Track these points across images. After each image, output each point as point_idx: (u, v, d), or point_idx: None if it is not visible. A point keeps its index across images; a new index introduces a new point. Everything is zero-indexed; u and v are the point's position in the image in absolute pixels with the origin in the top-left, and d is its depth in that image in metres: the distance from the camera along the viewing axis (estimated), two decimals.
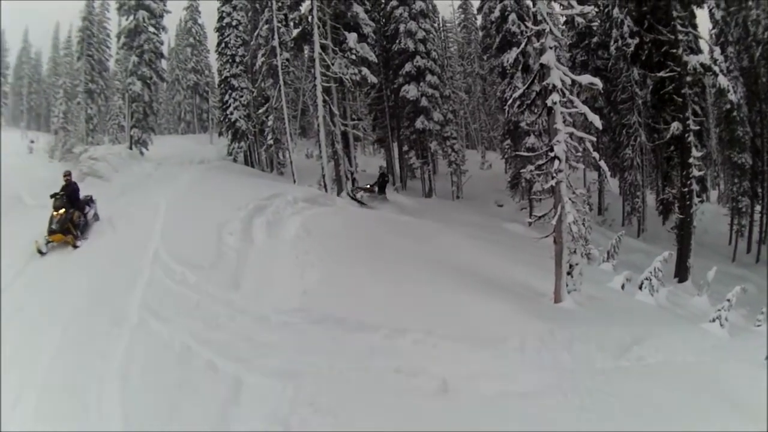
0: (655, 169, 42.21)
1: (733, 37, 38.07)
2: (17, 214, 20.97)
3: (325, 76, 31.75)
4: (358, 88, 35.61)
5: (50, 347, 11.28)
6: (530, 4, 16.32)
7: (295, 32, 34.02)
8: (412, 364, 10.67)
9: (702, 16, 31.77)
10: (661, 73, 27.83)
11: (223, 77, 44.44)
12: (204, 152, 47.97)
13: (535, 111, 17.20)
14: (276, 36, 34.81)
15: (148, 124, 41.90)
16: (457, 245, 20.90)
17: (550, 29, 15.39)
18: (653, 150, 38.07)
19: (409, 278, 15.58)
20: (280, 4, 35.65)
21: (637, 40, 29.42)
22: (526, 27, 16.99)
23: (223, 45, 43.63)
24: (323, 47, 32.00)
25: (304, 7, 33.62)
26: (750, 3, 37.18)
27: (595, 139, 16.21)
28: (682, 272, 27.77)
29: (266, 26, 36.24)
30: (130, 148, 39.53)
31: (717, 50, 31.26)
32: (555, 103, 15.13)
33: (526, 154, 29.19)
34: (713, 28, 38.02)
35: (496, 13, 37.44)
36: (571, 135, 15.53)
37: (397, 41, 40.12)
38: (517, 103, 17.32)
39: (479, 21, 51.87)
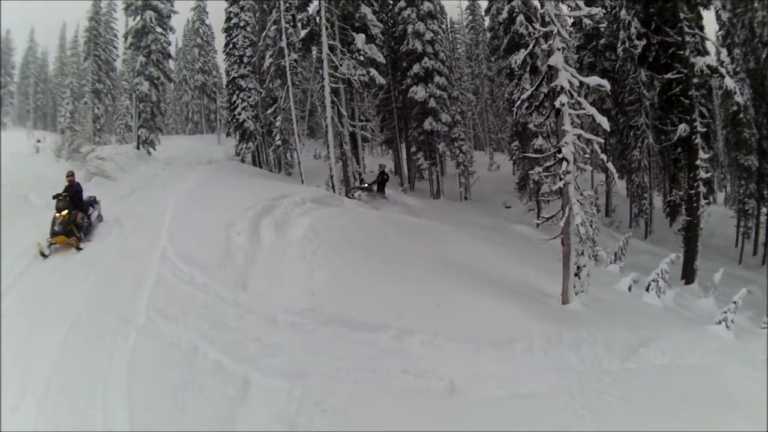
0: (663, 171, 42.13)
1: (739, 39, 38.01)
2: (23, 214, 20.57)
3: (333, 77, 31.76)
4: (366, 89, 35.61)
5: (55, 347, 11.23)
6: (538, 5, 16.39)
7: (303, 33, 33.96)
8: (420, 365, 10.75)
9: (708, 18, 31.73)
10: (669, 75, 27.72)
11: (230, 78, 44.20)
12: (212, 152, 47.71)
13: (543, 113, 17.21)
14: (284, 37, 34.70)
15: (156, 124, 41.90)
16: (464, 246, 20.94)
17: (558, 31, 15.36)
18: (660, 152, 37.91)
19: (416, 279, 15.61)
20: (287, 4, 35.54)
21: (644, 42, 29.37)
22: (534, 28, 17.01)
23: (230, 45, 43.49)
24: (331, 48, 32.02)
25: (311, 8, 33.69)
26: (756, 4, 37.04)
27: (602, 140, 16.16)
28: (688, 274, 27.68)
29: (274, 27, 36.18)
30: (138, 148, 39.60)
31: (724, 52, 31.34)
32: (563, 105, 15.12)
33: (534, 155, 29.22)
34: (720, 29, 38.03)
35: (504, 14, 37.31)
36: (579, 137, 15.54)
37: (405, 42, 40.02)
38: (525, 104, 17.40)
39: (487, 22, 51.99)
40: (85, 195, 20.57)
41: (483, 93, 68.81)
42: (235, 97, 43.50)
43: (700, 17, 28.82)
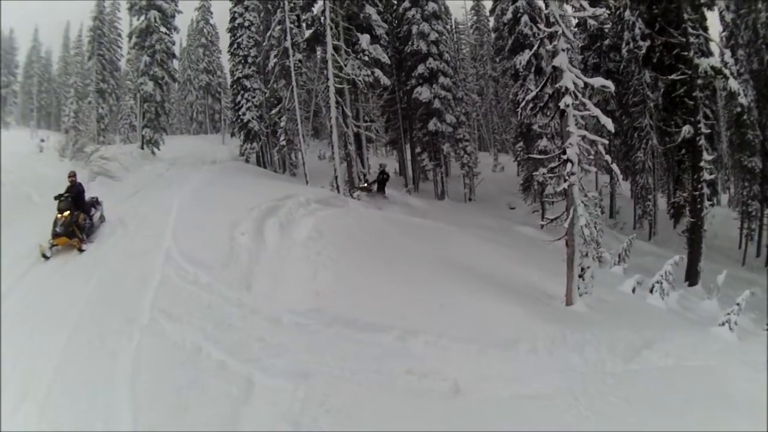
0: (667, 173, 42.14)
1: (743, 40, 37.89)
2: (25, 214, 20.40)
3: (337, 77, 31.75)
4: (370, 89, 35.64)
5: (58, 346, 11.19)
6: (543, 6, 16.38)
7: (308, 33, 34.12)
8: (424, 365, 10.76)
9: (712, 19, 31.74)
10: (673, 76, 27.67)
11: (235, 78, 44.30)
12: (216, 152, 47.79)
13: (548, 114, 17.26)
14: (288, 37, 34.66)
15: (160, 124, 41.89)
16: (469, 247, 20.90)
17: (563, 31, 15.39)
18: (665, 153, 37.93)
19: (421, 280, 15.61)
20: (292, 5, 35.46)
21: (648, 43, 29.33)
22: (539, 29, 17.03)
23: (235, 46, 43.56)
24: (336, 48, 32.01)
25: (316, 8, 33.91)
26: (760, 5, 36.98)
27: (607, 142, 16.20)
28: (692, 276, 27.60)
29: (279, 27, 36.08)
30: (142, 148, 39.64)
31: (727, 53, 31.29)
32: (568, 106, 15.14)
33: (538, 156, 29.21)
34: (723, 30, 37.90)
35: (509, 15, 37.21)
36: (583, 138, 15.55)
37: (410, 43, 39.98)
38: (530, 105, 17.44)
39: (491, 23, 51.53)
40: (88, 195, 20.37)
41: (488, 94, 68.69)
42: (239, 97, 43.47)
43: (704, 18, 28.84)
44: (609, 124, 15.49)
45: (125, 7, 43.14)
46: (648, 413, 9.25)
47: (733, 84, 27.55)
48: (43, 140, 40.52)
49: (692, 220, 28.36)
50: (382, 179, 33.81)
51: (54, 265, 16.29)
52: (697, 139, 27.43)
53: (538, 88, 16.75)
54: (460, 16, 68.57)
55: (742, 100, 30.33)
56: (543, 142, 34.44)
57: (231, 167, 37.16)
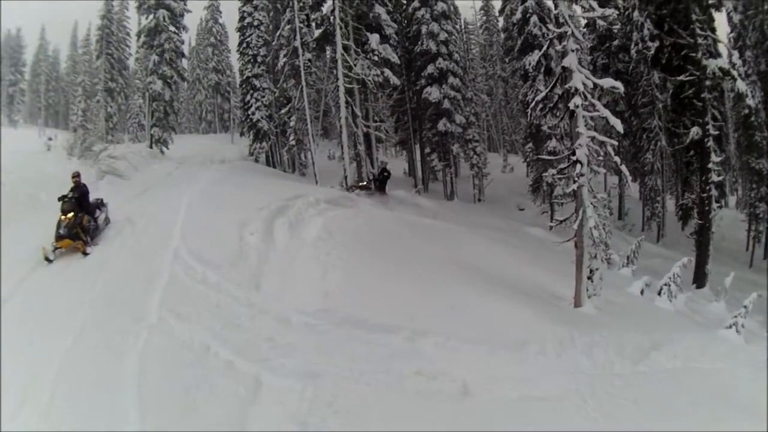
0: (675, 174, 42.04)
1: (750, 41, 37.96)
2: (29, 214, 20.00)
3: (347, 77, 31.88)
4: (380, 89, 35.65)
5: (66, 344, 11.20)
6: (552, 6, 16.36)
7: (317, 33, 34.24)
8: (433, 366, 10.75)
9: (720, 20, 31.68)
10: (681, 77, 27.67)
11: (244, 77, 44.41)
12: (225, 152, 47.87)
13: (557, 114, 17.25)
14: (298, 36, 34.77)
15: (169, 123, 41.99)
16: (478, 248, 20.86)
17: (572, 32, 15.34)
18: (673, 155, 37.91)
19: (430, 281, 15.56)
20: (301, 4, 35.53)
21: (657, 44, 29.31)
22: (548, 29, 17.06)
23: (244, 45, 43.63)
24: (345, 48, 32.14)
25: (325, 8, 34.11)
26: (767, 7, 37.00)
27: (616, 143, 16.14)
28: (700, 278, 27.61)
29: (288, 26, 36.14)
30: (151, 147, 39.74)
31: (735, 54, 31.27)
32: (577, 107, 15.09)
33: (547, 157, 29.03)
34: (731, 31, 38.02)
35: (518, 15, 37.29)
36: (592, 139, 15.51)
37: (419, 43, 40.04)
38: (540, 106, 17.40)
39: (501, 23, 51.77)
40: (95, 195, 20.26)
41: (497, 94, 68.86)
42: (248, 97, 43.54)
43: (711, 19, 28.79)
44: (618, 125, 15.48)
45: (134, 6, 43.24)
46: (656, 415, 9.26)
47: (741, 85, 27.52)
48: (50, 139, 40.67)
49: (700, 222, 28.39)
50: (383, 177, 33.46)
51: (57, 268, 16.07)
52: (706, 140, 27.46)
53: (548, 89, 16.73)
54: (469, 16, 69.10)
55: (749, 101, 30.25)
56: (552, 143, 34.68)
57: (240, 167, 37.11)
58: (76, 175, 19.23)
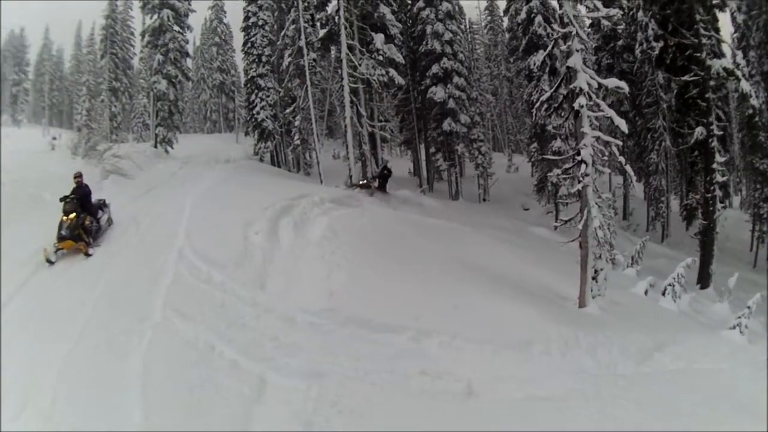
0: (680, 174, 42.14)
1: (754, 41, 37.83)
2: (31, 215, 19.49)
3: (352, 76, 31.90)
4: (385, 89, 35.70)
5: (69, 344, 11.20)
6: (557, 6, 16.35)
7: (322, 33, 34.20)
8: (438, 366, 10.78)
9: (724, 20, 31.70)
10: (685, 77, 27.66)
11: (249, 77, 44.07)
12: (230, 151, 47.57)
13: (562, 114, 17.18)
14: (303, 36, 34.80)
15: (173, 122, 41.75)
16: (483, 248, 20.92)
17: (577, 32, 15.34)
18: (678, 155, 38.03)
19: (435, 280, 15.59)
20: (306, 4, 35.59)
21: (661, 44, 29.32)
22: (553, 30, 17.03)
23: (249, 44, 43.36)
24: (350, 48, 32.15)
25: (330, 8, 34.02)
26: None
27: (621, 143, 16.26)
28: (704, 278, 27.60)
29: (293, 26, 36.17)
30: (155, 147, 39.58)
31: (739, 54, 31.23)
32: (582, 107, 15.11)
33: (552, 157, 29.12)
34: (735, 32, 37.94)
35: (523, 15, 37.30)
36: (597, 139, 15.50)
37: (424, 43, 40.01)
38: (544, 106, 17.35)
39: (505, 23, 52.22)
40: (99, 195, 20.23)
41: (502, 94, 69.09)
42: (253, 96, 43.37)
43: (715, 19, 28.81)
44: (623, 125, 15.45)
45: (138, 6, 43.10)
46: (659, 416, 9.27)
47: (745, 86, 27.52)
48: (55, 138, 40.51)
49: (704, 222, 28.39)
50: (383, 175, 32.90)
51: (59, 269, 15.89)
52: (710, 140, 27.44)
53: (553, 89, 16.66)
54: (474, 16, 68.69)
55: (753, 101, 30.23)
56: (557, 143, 34.61)
57: (245, 166, 37.01)
58: (78, 176, 19.04)
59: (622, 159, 16.10)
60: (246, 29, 43.64)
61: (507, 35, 52.95)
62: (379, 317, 12.82)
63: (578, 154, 15.42)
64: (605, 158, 16.62)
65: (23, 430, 8.94)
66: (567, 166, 16.86)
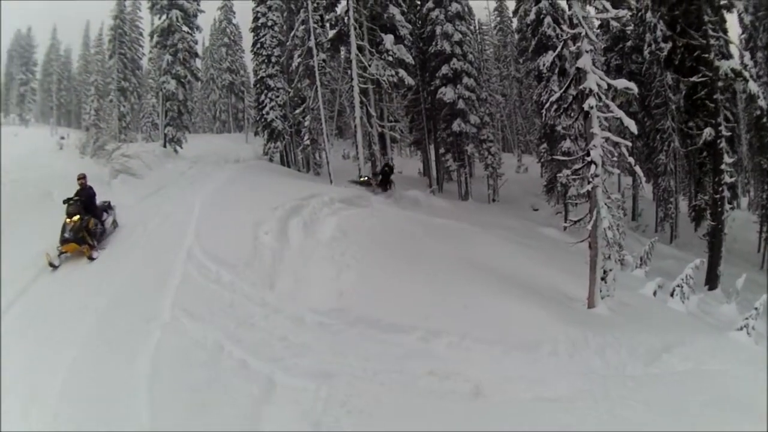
0: (688, 175, 42.18)
1: (762, 42, 37.78)
2: (43, 213, 19.37)
3: (362, 77, 31.98)
4: (395, 89, 35.79)
5: (78, 342, 11.26)
6: (566, 7, 16.36)
7: (332, 33, 34.46)
8: (446, 366, 10.77)
9: (731, 21, 31.72)
10: (694, 78, 27.74)
11: (258, 77, 44.04)
12: (239, 151, 47.58)
13: (572, 115, 17.15)
14: (312, 37, 34.66)
15: (183, 122, 41.68)
16: (492, 248, 20.89)
17: (586, 33, 15.36)
18: (686, 156, 38.05)
19: (444, 280, 15.57)
20: (315, 4, 35.47)
21: (670, 45, 29.44)
22: (562, 30, 17.18)
23: (258, 45, 43.35)
24: (360, 48, 32.23)
25: (340, 8, 34.35)
26: None
27: (630, 144, 16.19)
28: (712, 280, 27.67)
29: (302, 27, 36.07)
30: (164, 146, 39.54)
31: (747, 55, 31.29)
32: (591, 108, 15.10)
33: (562, 158, 29.17)
34: (743, 32, 37.86)
35: (532, 16, 37.42)
36: (607, 139, 15.50)
37: (434, 43, 40.21)
38: (554, 106, 17.30)
39: (515, 24, 52.30)
40: (107, 195, 20.18)
41: (511, 95, 69.32)
42: (263, 97, 43.32)
43: (723, 20, 28.91)
44: (632, 126, 15.42)
45: (146, 6, 43.08)
46: (667, 417, 9.26)
47: (753, 86, 27.56)
48: (63, 138, 40.66)
49: (713, 223, 28.47)
50: (385, 172, 32.71)
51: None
52: (718, 141, 27.51)
53: (562, 90, 16.66)
54: (483, 17, 69.00)
55: (761, 102, 30.17)
56: (567, 144, 34.71)
57: (254, 166, 36.92)
58: (82, 177, 18.70)
59: (631, 160, 16.14)
60: (255, 30, 43.61)
61: (516, 36, 53.09)
62: (388, 317, 12.82)
63: (588, 154, 15.41)
64: (615, 159, 16.56)
65: (24, 430, 8.98)
66: (576, 166, 16.85)
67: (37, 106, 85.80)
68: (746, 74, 27.16)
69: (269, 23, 42.86)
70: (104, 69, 69.38)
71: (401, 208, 27.10)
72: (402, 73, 32.88)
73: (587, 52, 15.42)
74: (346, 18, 32.08)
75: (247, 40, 50.52)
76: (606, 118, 16.24)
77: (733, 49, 29.76)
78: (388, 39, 32.35)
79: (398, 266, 16.52)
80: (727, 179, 27.68)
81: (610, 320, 14.87)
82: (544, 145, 39.87)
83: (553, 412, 9.35)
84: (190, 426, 8.72)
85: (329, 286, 14.64)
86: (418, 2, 43.24)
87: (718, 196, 27.81)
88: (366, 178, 32.63)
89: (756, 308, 16.55)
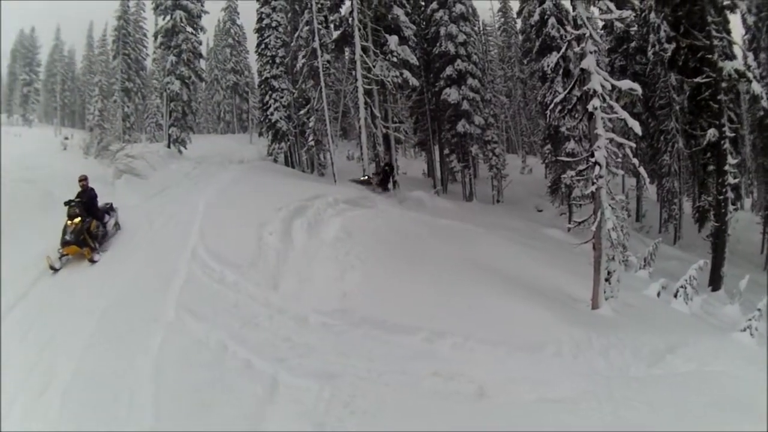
0: (692, 176, 41.99)
1: (765, 43, 37.76)
2: (44, 214, 19.28)
3: (366, 78, 31.85)
4: (399, 90, 35.58)
5: (82, 342, 11.29)
6: (570, 8, 16.41)
7: (336, 34, 34.58)
8: (450, 367, 10.75)
9: (734, 22, 31.67)
10: (698, 79, 27.66)
11: (263, 78, 44.14)
12: (244, 152, 47.75)
13: (576, 116, 17.24)
14: (316, 38, 34.55)
15: (187, 123, 41.78)
16: (496, 249, 20.89)
17: (590, 33, 15.35)
18: (690, 157, 37.85)
19: (448, 281, 15.59)
20: (320, 5, 35.47)
21: (673, 45, 29.32)
22: (566, 31, 17.09)
23: (262, 46, 43.35)
24: (364, 49, 32.15)
25: (344, 9, 34.18)
26: None
27: (634, 145, 16.14)
28: (715, 281, 27.61)
29: (306, 28, 35.96)
30: (168, 147, 39.61)
31: (750, 56, 31.21)
32: (596, 109, 15.10)
33: (566, 159, 29.24)
34: (746, 33, 37.84)
35: (536, 17, 37.43)
36: (611, 141, 15.49)
37: (438, 44, 40.23)
38: (558, 107, 17.43)
39: (519, 25, 52.42)
40: (111, 196, 20.21)
41: (516, 96, 69.28)
42: (267, 98, 43.31)
43: (726, 21, 28.76)
44: (636, 127, 15.39)
45: (150, 6, 43.17)
46: (670, 418, 9.27)
47: (757, 87, 27.48)
48: (66, 138, 40.70)
49: (716, 224, 28.41)
50: (385, 171, 32.87)
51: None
52: (722, 142, 27.44)
53: (566, 91, 16.72)
54: (487, 18, 69.16)
55: (765, 103, 30.05)
56: (571, 145, 34.87)
57: (259, 167, 36.90)
58: (83, 179, 18.58)
59: (635, 161, 16.15)
60: (259, 31, 43.60)
61: (520, 37, 53.02)
62: (392, 318, 12.84)
63: (592, 155, 15.43)
64: (619, 160, 16.56)
65: (24, 430, 9.02)
66: (581, 167, 16.86)
67: (41, 106, 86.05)
68: (750, 75, 27.10)
69: (273, 24, 42.88)
70: (108, 69, 69.20)
71: (405, 209, 27.09)
72: (406, 74, 32.79)
73: (591, 53, 15.44)
74: (350, 19, 31.94)
75: (252, 41, 50.33)
76: (610, 119, 16.14)
77: (737, 50, 29.65)
78: (393, 40, 32.26)
79: (402, 267, 16.55)
80: (731, 180, 27.63)
81: (613, 321, 14.86)
82: (549, 146, 39.93)
83: (556, 413, 9.35)
84: (194, 426, 8.75)
85: (333, 287, 14.71)
86: (423, 3, 43.20)
87: (721, 197, 27.78)
88: (366, 177, 32.57)
89: (759, 309, 16.54)
